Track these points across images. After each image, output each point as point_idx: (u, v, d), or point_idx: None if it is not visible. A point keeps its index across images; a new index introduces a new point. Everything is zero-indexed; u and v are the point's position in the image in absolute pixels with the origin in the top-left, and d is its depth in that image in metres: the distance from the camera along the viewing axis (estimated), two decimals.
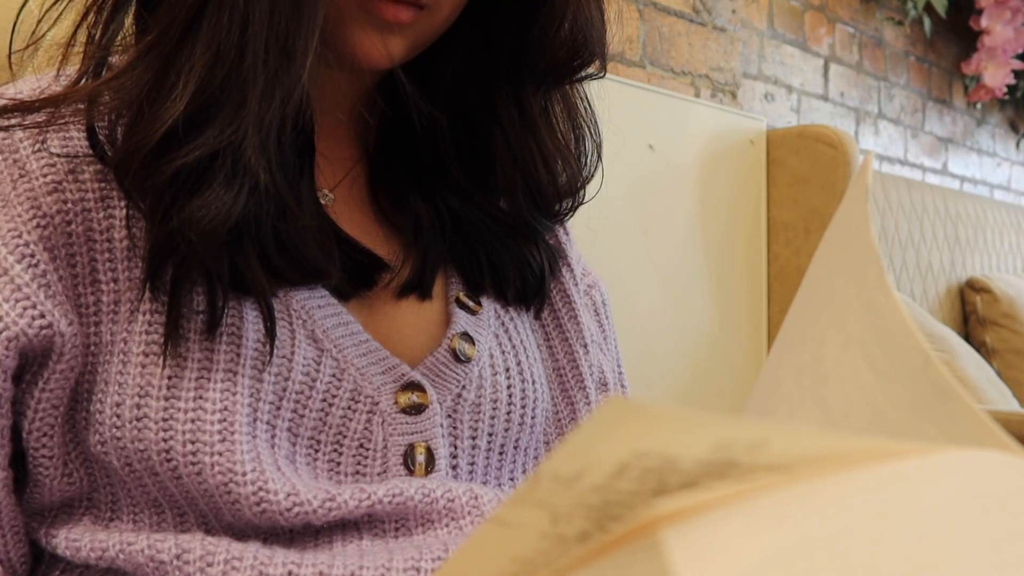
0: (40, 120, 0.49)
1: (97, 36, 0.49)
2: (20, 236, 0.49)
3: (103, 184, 0.51)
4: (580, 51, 0.59)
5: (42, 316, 0.48)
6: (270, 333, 0.51)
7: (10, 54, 0.53)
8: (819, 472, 0.18)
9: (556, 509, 0.19)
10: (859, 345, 0.26)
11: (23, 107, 0.49)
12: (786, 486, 0.18)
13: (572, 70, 0.61)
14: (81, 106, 0.48)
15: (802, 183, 1.61)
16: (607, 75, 0.64)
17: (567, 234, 0.73)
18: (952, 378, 0.23)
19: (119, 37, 0.50)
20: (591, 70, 0.62)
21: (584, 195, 0.66)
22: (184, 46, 0.46)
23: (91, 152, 0.50)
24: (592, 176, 0.66)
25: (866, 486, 0.18)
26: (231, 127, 0.46)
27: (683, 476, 0.18)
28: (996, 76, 2.46)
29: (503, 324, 0.64)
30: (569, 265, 0.70)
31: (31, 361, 0.49)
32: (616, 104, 1.34)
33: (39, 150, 0.50)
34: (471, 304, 0.62)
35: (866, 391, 0.26)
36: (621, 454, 0.18)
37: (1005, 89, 2.50)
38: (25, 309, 0.48)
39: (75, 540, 0.51)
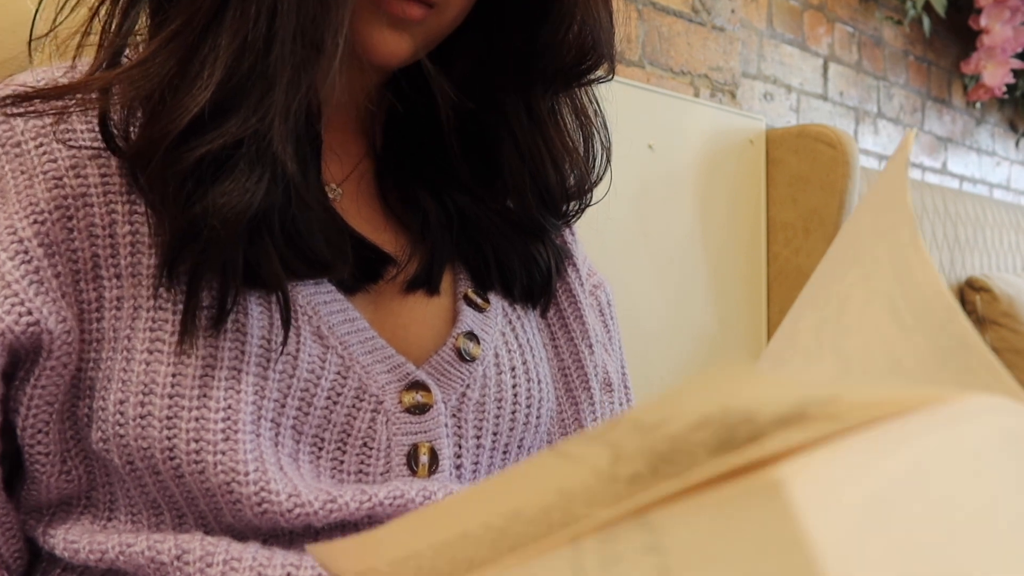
0: (54, 108, 0.49)
1: (113, 26, 0.49)
2: (15, 232, 0.48)
3: (105, 178, 0.50)
4: (588, 53, 0.59)
5: (29, 313, 0.48)
6: (285, 324, 0.51)
7: (30, 41, 0.53)
8: (896, 413, 0.19)
9: (621, 451, 0.19)
10: (886, 299, 0.28)
11: (38, 95, 0.48)
12: (878, 424, 0.19)
13: (580, 73, 0.61)
14: (94, 96, 0.48)
15: (802, 183, 1.61)
16: None
17: (573, 234, 0.73)
18: (976, 332, 0.25)
19: (134, 28, 0.50)
20: (599, 73, 0.62)
21: (591, 197, 0.66)
22: (208, 35, 0.46)
23: (94, 145, 0.50)
24: (601, 179, 0.66)
25: (942, 425, 0.19)
26: (256, 115, 0.46)
27: (754, 428, 0.18)
28: (995, 75, 2.46)
29: (510, 322, 0.63)
30: (575, 265, 0.70)
31: (23, 358, 0.49)
32: (615, 104, 1.34)
33: (40, 144, 0.50)
34: (479, 301, 0.62)
35: (887, 342, 0.27)
36: (707, 408, 0.18)
37: (1004, 88, 2.50)
38: (12, 306, 0.48)
39: (73, 542, 0.51)
